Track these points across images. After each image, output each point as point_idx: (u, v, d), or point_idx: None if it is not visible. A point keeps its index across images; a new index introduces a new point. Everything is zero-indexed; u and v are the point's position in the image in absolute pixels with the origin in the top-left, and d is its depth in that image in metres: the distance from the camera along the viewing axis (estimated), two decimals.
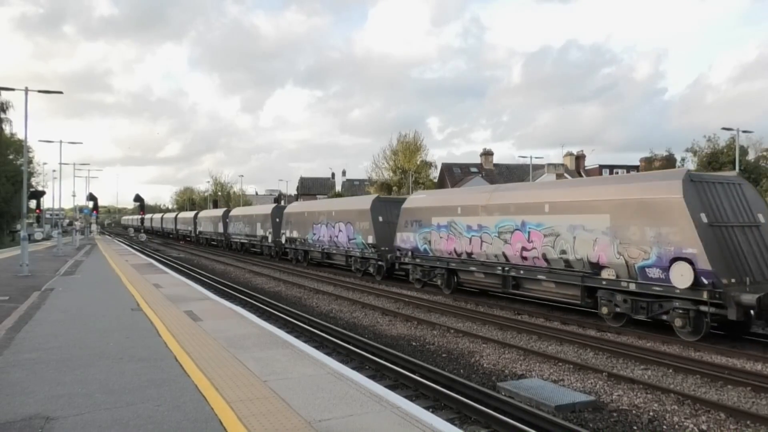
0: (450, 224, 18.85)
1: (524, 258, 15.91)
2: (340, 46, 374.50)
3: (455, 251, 18.60)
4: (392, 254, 22.41)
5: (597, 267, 13.80)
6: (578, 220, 14.30)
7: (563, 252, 14.66)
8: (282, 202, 70.78)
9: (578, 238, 14.23)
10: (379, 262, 23.73)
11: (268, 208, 39.65)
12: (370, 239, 24.10)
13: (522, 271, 16.12)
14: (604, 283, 13.62)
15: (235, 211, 48.39)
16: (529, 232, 15.78)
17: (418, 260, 20.59)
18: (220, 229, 49.98)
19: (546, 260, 15.22)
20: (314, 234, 29.93)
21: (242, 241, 43.87)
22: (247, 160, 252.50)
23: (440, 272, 19.36)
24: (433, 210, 19.91)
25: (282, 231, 34.68)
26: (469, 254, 17.99)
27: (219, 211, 53.68)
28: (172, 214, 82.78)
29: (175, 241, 69.97)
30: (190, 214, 67.61)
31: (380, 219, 24.15)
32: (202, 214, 60.92)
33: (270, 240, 37.29)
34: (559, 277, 14.90)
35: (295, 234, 32.73)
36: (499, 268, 16.82)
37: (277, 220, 36.22)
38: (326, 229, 28.45)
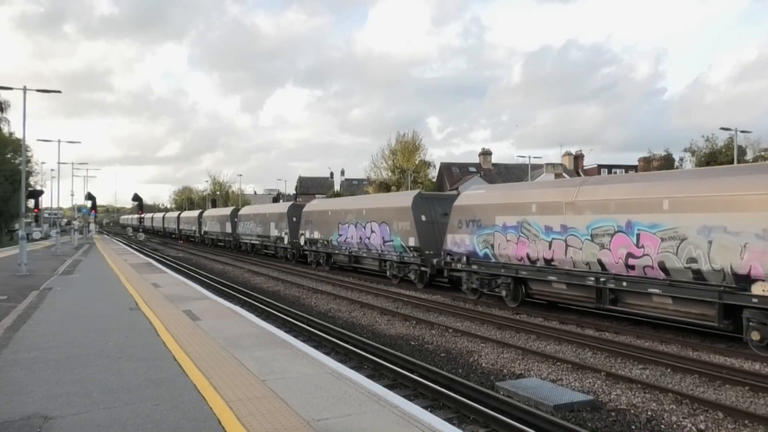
0: (521, 225, 15.88)
1: (630, 267, 13.02)
2: (341, 46, 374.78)
3: (527, 257, 15.63)
4: (439, 259, 19.38)
5: (745, 280, 10.94)
6: (716, 220, 11.43)
7: (692, 260, 11.78)
8: (280, 201, 70.74)
9: (716, 243, 11.37)
10: (422, 268, 20.77)
11: (284, 207, 36.36)
12: (412, 241, 21.12)
13: (625, 283, 13.11)
14: (755, 300, 10.75)
15: (246, 210, 45.12)
16: (637, 235, 12.88)
17: (475, 267, 17.43)
18: (228, 229, 47.00)
19: (664, 270, 12.33)
20: (340, 235, 26.91)
21: (253, 242, 40.83)
22: (247, 160, 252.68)
23: (505, 281, 16.31)
24: (498, 208, 16.88)
25: (300, 231, 31.67)
26: (548, 261, 15.03)
27: (227, 210, 50.57)
28: (175, 213, 79.49)
29: (176, 241, 69.72)
30: (195, 213, 64.77)
31: (423, 218, 21.18)
32: (208, 213, 58.10)
33: (286, 241, 33.94)
34: (683, 292, 11.97)
35: (316, 235, 29.53)
36: (592, 278, 13.78)
37: (294, 219, 33.22)
38: (355, 229, 25.46)
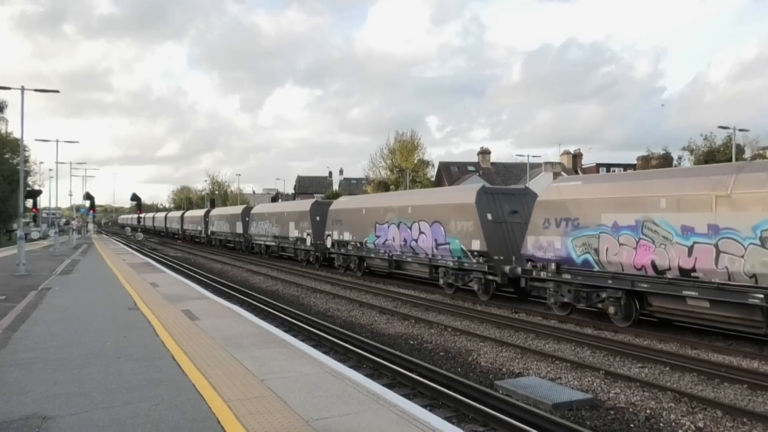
0: (642, 224, 12.79)
1: None
2: (341, 45, 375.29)
3: (652, 266, 12.57)
4: (512, 266, 16.43)
5: None
6: None
7: None
8: (279, 201, 70.64)
9: None
10: (489, 276, 17.31)
11: (306, 204, 32.72)
12: (476, 245, 17.74)
13: None
14: None
15: (260, 209, 41.48)
16: None
17: (568, 276, 14.37)
18: (239, 230, 43.56)
19: None
20: (377, 236, 23.58)
21: (268, 243, 37.41)
22: (246, 159, 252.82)
23: (614, 295, 13.36)
24: (605, 203, 13.78)
25: (326, 232, 28.32)
26: (686, 271, 11.99)
27: (237, 209, 47.09)
28: (177, 213, 75.73)
29: (175, 240, 69.55)
30: (200, 212, 60.89)
31: (489, 217, 17.84)
32: (216, 212, 54.25)
33: (309, 243, 30.52)
34: None
35: (346, 236, 26.27)
36: (760, 295, 10.74)
37: (318, 218, 29.95)
38: (398, 230, 22.11)
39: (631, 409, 8.14)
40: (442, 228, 19.57)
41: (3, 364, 7.49)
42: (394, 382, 9.28)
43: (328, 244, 28.15)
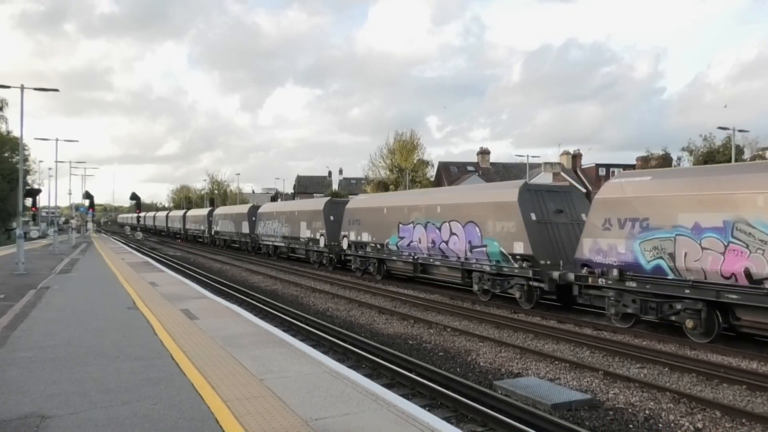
0: (733, 226, 11.20)
1: None
2: (341, 45, 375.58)
3: (746, 273, 10.99)
4: (563, 271, 14.92)
5: None
6: None
7: None
8: (279, 200, 70.59)
9: None
10: (534, 283, 15.70)
11: (319, 203, 30.74)
12: (519, 247, 16.06)
13: None
14: None
15: (268, 208, 39.87)
16: None
17: (632, 284, 12.91)
18: (245, 229, 41.89)
19: None
20: (401, 238, 21.78)
21: (277, 244, 35.73)
22: (245, 159, 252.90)
23: (692, 307, 11.92)
24: (682, 201, 12.19)
25: (342, 233, 26.46)
26: None
27: (243, 208, 45.36)
28: (180, 212, 73.40)
29: (174, 240, 69.45)
30: (203, 211, 59.03)
31: (533, 217, 16.19)
32: (220, 211, 52.28)
33: (322, 244, 28.66)
34: None
35: (365, 237, 24.43)
36: None
37: (332, 218, 28.35)
38: (425, 231, 20.33)
39: (630, 410, 8.14)
40: (477, 229, 17.78)
41: (1, 363, 7.48)
42: (393, 382, 9.28)
43: (344, 245, 26.23)
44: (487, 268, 17.29)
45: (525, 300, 16.11)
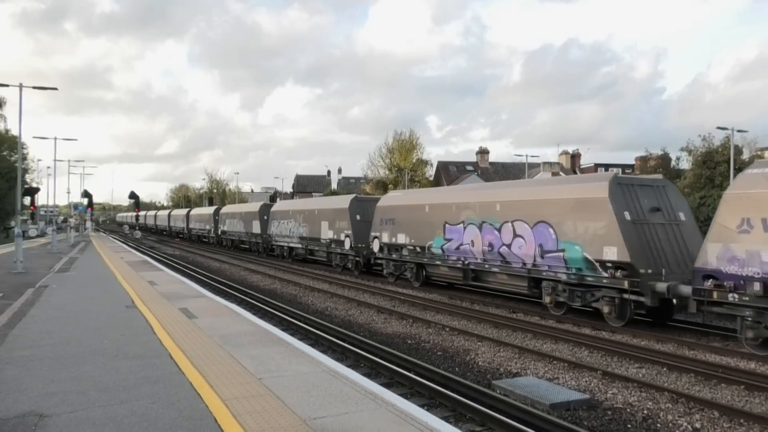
0: None
1: None
2: (341, 44, 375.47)
3: None
4: (673, 284, 12.35)
5: None
6: None
7: None
8: (278, 200, 70.52)
9: None
10: (632, 296, 13.04)
11: (343, 200, 28.14)
12: (612, 253, 13.38)
13: None
14: None
15: (284, 206, 37.07)
16: None
17: None
18: (256, 229, 39.29)
19: None
20: (447, 240, 19.17)
21: (293, 245, 33.14)
22: (245, 158, 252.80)
23: None
24: None
25: (373, 234, 23.62)
26: None
27: (254, 206, 42.20)
28: (183, 211, 70.42)
29: (173, 239, 69.33)
30: (209, 210, 56.28)
31: (627, 216, 13.47)
32: (228, 209, 49.53)
33: (348, 246, 26.15)
34: None
35: (401, 239, 21.65)
36: None
37: (359, 217, 26.01)
38: (479, 232, 17.65)
39: (628, 410, 8.15)
40: (551, 230, 15.09)
41: (0, 362, 7.47)
42: (392, 382, 9.28)
43: (375, 247, 23.42)
44: (564, 277, 14.62)
45: (616, 316, 13.46)
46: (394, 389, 8.34)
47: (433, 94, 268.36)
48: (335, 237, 27.48)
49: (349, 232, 26.14)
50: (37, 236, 57.58)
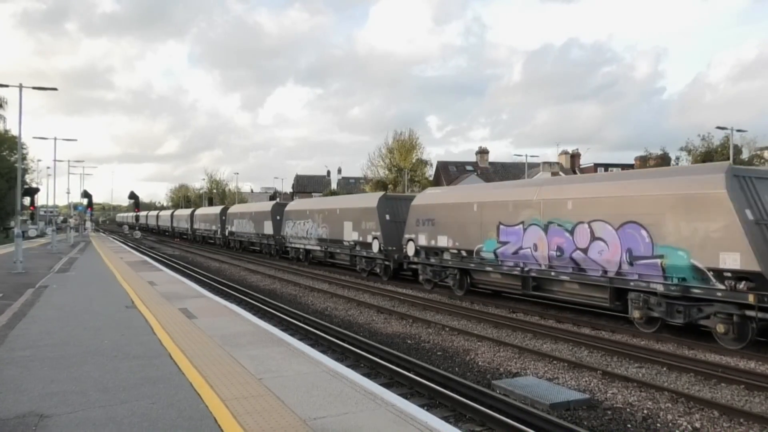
0: None
1: None
2: (342, 44, 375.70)
3: None
4: None
5: None
6: None
7: None
8: (278, 200, 70.50)
9: None
10: (759, 313, 10.88)
11: (371, 199, 25.48)
12: (733, 261, 11.13)
13: None
14: None
15: (299, 205, 34.20)
16: None
17: None
18: (268, 230, 36.85)
19: None
20: (502, 243, 16.58)
21: (310, 247, 30.76)
22: (245, 158, 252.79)
23: None
24: None
25: (407, 235, 21.10)
26: None
27: (265, 206, 39.67)
28: (186, 211, 68.03)
29: (173, 240, 69.24)
30: (215, 209, 53.38)
31: (749, 216, 11.24)
32: (236, 209, 46.82)
33: (376, 249, 23.69)
34: None
35: (442, 241, 19.17)
36: None
37: (388, 217, 23.58)
38: (544, 234, 15.18)
39: (628, 410, 8.15)
40: (644, 232, 12.83)
41: (0, 362, 7.47)
42: (392, 382, 9.28)
43: (409, 251, 20.90)
44: (661, 288, 12.40)
45: (733, 337, 11.35)
46: (394, 389, 8.34)
47: (433, 94, 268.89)
48: (360, 239, 24.94)
49: (378, 233, 23.58)
50: (37, 236, 57.57)
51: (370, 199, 25.39)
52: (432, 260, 19.84)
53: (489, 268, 17.32)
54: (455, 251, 18.66)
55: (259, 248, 39.85)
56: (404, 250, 21.40)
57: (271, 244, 36.77)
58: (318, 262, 30.88)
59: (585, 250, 14.15)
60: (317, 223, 29.48)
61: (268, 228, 36.91)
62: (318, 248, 29.69)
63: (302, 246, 31.64)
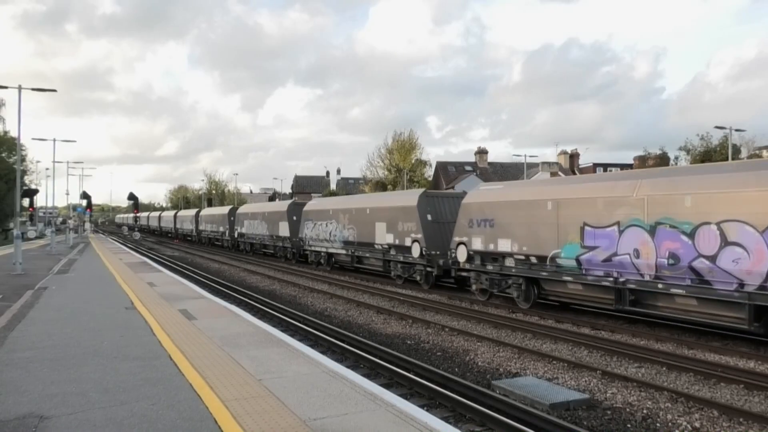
0: None
1: None
2: (342, 45, 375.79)
3: None
4: None
5: None
6: None
7: None
8: (277, 201, 70.42)
9: None
10: None
11: (410, 197, 22.21)
12: None
13: None
14: None
15: (318, 204, 30.77)
16: None
17: None
18: (283, 232, 34.06)
19: None
20: (589, 248, 13.91)
21: (334, 251, 27.53)
22: (245, 159, 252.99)
23: None
24: None
25: (458, 238, 18.14)
26: None
27: (281, 205, 36.82)
28: (191, 212, 65.33)
29: (171, 240, 69.15)
30: (222, 210, 50.95)
31: None
32: (247, 209, 44.05)
33: (417, 253, 20.83)
34: None
35: (504, 245, 16.27)
36: None
37: (430, 217, 20.94)
38: (650, 238, 12.52)
39: (627, 409, 8.16)
40: None
41: (0, 364, 7.48)
42: (392, 382, 9.29)
43: (460, 256, 18.04)
44: None
45: None
46: (394, 390, 8.34)
47: (433, 95, 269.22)
48: (396, 242, 22.15)
49: (419, 235, 20.77)
50: (36, 238, 57.55)
51: (409, 197, 22.36)
52: (489, 267, 17.00)
53: (567, 278, 14.38)
54: (521, 257, 15.83)
55: (272, 251, 37.04)
56: (452, 254, 18.51)
57: (287, 247, 34.05)
58: (340, 266, 28.23)
59: (712, 258, 11.42)
60: (342, 224, 26.61)
61: (283, 229, 34.17)
62: (343, 252, 26.72)
63: (324, 249, 28.61)
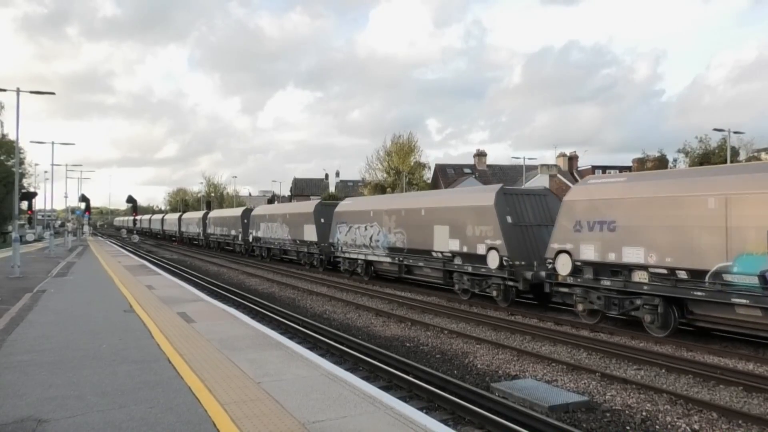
0: None
1: None
2: (343, 48, 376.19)
3: None
4: None
5: None
6: None
7: None
8: (275, 202, 70.40)
9: None
10: None
11: (484, 195, 18.15)
12: None
13: None
14: None
15: (353, 205, 26.52)
16: None
17: None
18: (309, 236, 30.31)
19: None
20: None
21: (374, 258, 23.56)
22: (244, 161, 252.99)
23: None
24: None
25: (556, 246, 14.74)
26: None
27: (307, 206, 32.45)
28: (197, 214, 61.12)
29: (172, 244, 68.98)
30: (234, 212, 47.07)
31: None
32: (263, 211, 39.47)
33: (495, 263, 16.80)
34: None
35: (632, 256, 12.96)
36: None
37: (510, 219, 17.11)
38: None
39: (627, 411, 8.16)
40: None
41: None
42: (391, 385, 9.28)
43: (561, 268, 14.56)
44: None
45: None
46: (393, 392, 8.34)
47: (433, 97, 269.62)
48: (464, 249, 18.25)
49: (499, 242, 16.86)
50: (35, 241, 57.51)
51: (483, 195, 18.23)
52: (605, 282, 13.55)
53: (740, 300, 11.04)
54: (661, 270, 12.42)
55: (295, 257, 33.32)
56: (551, 265, 14.90)
57: (313, 253, 30.09)
58: (379, 276, 24.37)
59: None
60: (387, 227, 22.57)
61: (309, 233, 30.23)
62: (387, 260, 22.65)
63: (362, 257, 24.45)
